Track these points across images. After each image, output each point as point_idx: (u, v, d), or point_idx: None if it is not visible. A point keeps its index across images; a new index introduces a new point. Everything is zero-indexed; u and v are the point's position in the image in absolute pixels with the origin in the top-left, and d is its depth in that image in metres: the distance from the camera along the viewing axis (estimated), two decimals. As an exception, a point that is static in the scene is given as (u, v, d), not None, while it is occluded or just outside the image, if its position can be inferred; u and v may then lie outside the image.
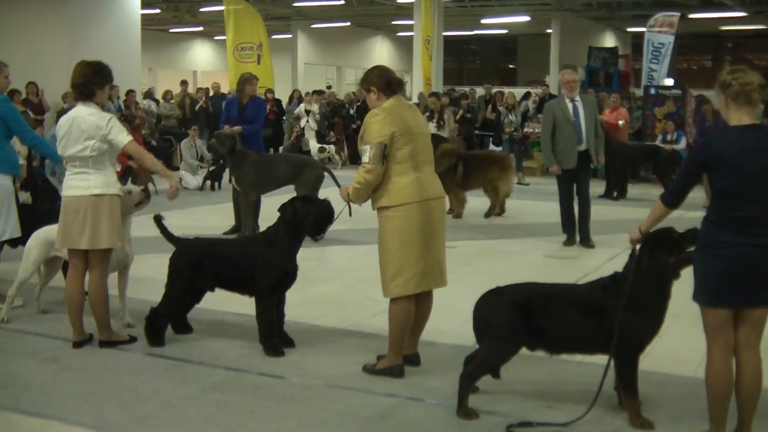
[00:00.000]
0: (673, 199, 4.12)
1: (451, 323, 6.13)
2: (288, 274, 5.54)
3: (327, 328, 6.13)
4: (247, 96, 10.09)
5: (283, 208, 5.54)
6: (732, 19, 26.32)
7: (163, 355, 5.45)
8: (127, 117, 15.75)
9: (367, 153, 4.84)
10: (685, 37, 31.73)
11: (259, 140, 10.32)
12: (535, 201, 13.61)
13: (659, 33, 19.19)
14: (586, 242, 9.42)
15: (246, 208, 9.45)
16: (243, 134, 9.69)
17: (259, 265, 5.44)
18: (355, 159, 19.59)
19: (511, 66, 42.56)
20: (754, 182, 3.84)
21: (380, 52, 34.65)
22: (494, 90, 20.20)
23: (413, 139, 4.88)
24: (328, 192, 9.65)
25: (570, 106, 9.16)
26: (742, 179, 3.84)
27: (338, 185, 9.39)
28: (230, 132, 9.55)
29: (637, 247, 4.34)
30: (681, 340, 5.62)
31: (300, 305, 6.55)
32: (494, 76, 37.88)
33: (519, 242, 9.85)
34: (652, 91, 17.96)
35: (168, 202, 5.87)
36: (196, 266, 5.62)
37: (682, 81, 20.86)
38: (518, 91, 20.85)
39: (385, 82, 4.97)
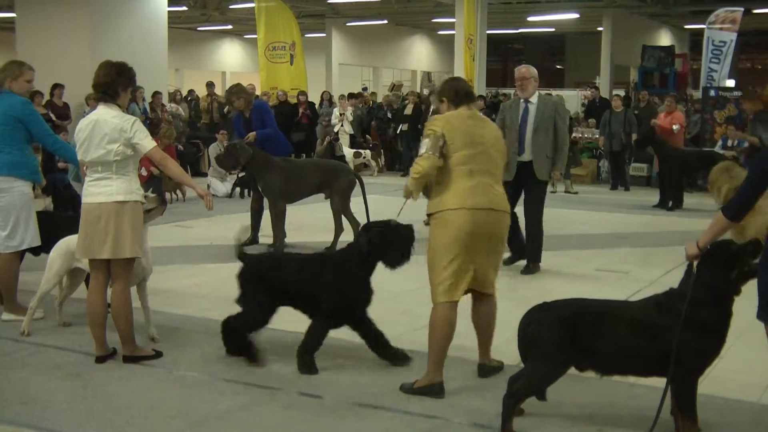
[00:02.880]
0: (735, 212, 4.06)
1: (495, 341, 6.06)
2: (357, 300, 5.55)
3: (360, 344, 6.11)
4: (245, 107, 10.06)
5: (358, 238, 5.60)
6: (801, 14, 25.96)
7: (190, 371, 5.50)
8: (153, 121, 15.95)
9: (424, 145, 5.11)
10: (749, 35, 31.36)
11: (281, 143, 10.31)
12: (584, 210, 13.55)
13: (720, 30, 18.99)
14: (527, 266, 8.72)
15: (275, 218, 9.48)
16: (258, 140, 9.74)
17: (326, 285, 5.48)
18: (392, 166, 19.64)
19: (558, 66, 42.40)
20: (823, 192, 3.79)
21: (419, 52, 34.68)
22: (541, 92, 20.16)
23: (472, 147, 5.07)
24: (356, 201, 9.75)
25: (522, 108, 8.51)
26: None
27: (365, 197, 9.49)
28: (241, 143, 9.60)
29: (695, 263, 4.29)
30: (745, 362, 5.55)
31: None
32: (541, 77, 37.69)
33: (567, 254, 9.79)
34: (712, 92, 17.75)
35: (208, 211, 5.93)
36: (264, 281, 5.65)
37: (744, 82, 20.65)
38: (567, 94, 20.73)
39: (453, 92, 5.31)
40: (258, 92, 19.71)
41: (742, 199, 4.04)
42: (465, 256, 5.01)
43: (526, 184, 8.46)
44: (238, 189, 14.75)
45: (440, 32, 33.80)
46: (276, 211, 9.48)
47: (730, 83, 19.24)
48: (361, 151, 18.78)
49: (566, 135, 8.61)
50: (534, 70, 8.59)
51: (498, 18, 26.63)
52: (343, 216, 9.59)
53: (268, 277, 5.66)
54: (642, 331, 4.36)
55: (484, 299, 5.31)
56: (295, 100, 19.72)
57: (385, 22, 30.52)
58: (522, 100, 8.55)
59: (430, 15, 28.81)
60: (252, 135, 9.74)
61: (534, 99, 8.49)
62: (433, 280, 5.11)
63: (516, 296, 7.33)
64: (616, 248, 9.99)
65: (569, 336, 4.37)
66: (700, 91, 19.24)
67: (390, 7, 26.68)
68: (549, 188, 15.68)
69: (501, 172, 5.27)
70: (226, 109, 18.91)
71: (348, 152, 18.36)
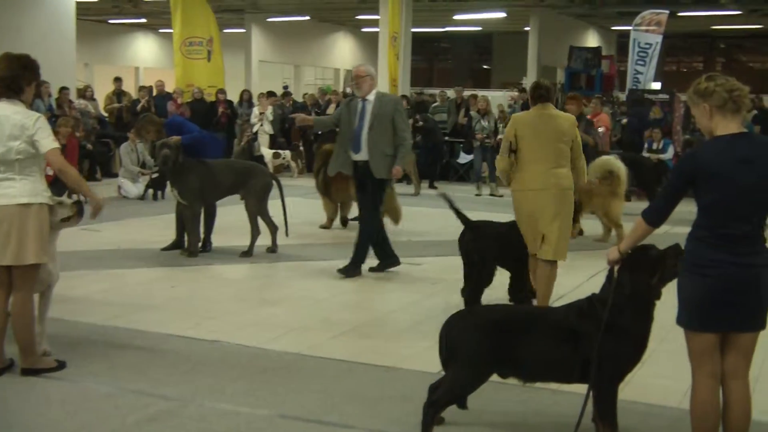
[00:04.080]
0: (655, 216, 4.12)
1: (415, 347, 6.14)
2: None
3: (278, 352, 6.09)
4: (158, 135, 9.90)
5: None
6: (725, 17, 26.71)
7: (96, 383, 5.38)
8: (59, 118, 15.56)
9: (502, 145, 6.98)
10: (675, 37, 32.19)
11: (211, 143, 10.36)
12: (508, 214, 13.61)
13: (646, 32, 19.47)
14: (346, 267, 8.68)
15: (190, 221, 9.39)
16: (187, 146, 9.61)
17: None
18: (312, 167, 19.55)
19: (485, 66, 42.84)
20: (745, 196, 3.88)
21: (342, 50, 34.69)
22: (467, 93, 20.33)
23: (533, 139, 6.68)
24: (273, 204, 9.72)
25: (359, 106, 8.57)
26: (732, 193, 3.87)
27: (282, 200, 9.55)
28: (173, 140, 9.49)
29: (616, 268, 4.38)
30: (665, 368, 5.68)
31: (249, 327, 6.55)
32: (467, 77, 38.10)
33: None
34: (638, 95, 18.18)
35: (91, 219, 5.81)
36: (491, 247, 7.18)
37: (670, 84, 21.18)
38: (493, 95, 20.94)
39: (538, 96, 6.87)
40: (171, 90, 19.46)
41: (663, 202, 4.10)
42: (530, 224, 6.79)
43: (366, 183, 8.60)
44: (150, 191, 14.53)
45: (364, 29, 33.83)
46: (193, 213, 9.39)
47: (656, 86, 19.69)
48: (281, 151, 18.67)
49: (406, 132, 8.66)
50: (371, 69, 8.75)
51: (423, 16, 26.78)
52: (259, 218, 9.57)
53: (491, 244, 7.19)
54: (564, 337, 4.43)
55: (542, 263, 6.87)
56: (211, 98, 19.52)
57: (308, 18, 30.43)
58: (359, 99, 8.62)
59: (353, 11, 28.82)
60: (175, 139, 9.55)
61: (371, 97, 8.56)
62: None
63: (436, 302, 7.39)
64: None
65: (491, 342, 4.41)
66: (626, 94, 19.66)
67: (312, 3, 26.57)
68: (474, 191, 16.00)
69: (565, 155, 6.75)
70: (139, 107, 18.64)
71: (267, 153, 18.23)
